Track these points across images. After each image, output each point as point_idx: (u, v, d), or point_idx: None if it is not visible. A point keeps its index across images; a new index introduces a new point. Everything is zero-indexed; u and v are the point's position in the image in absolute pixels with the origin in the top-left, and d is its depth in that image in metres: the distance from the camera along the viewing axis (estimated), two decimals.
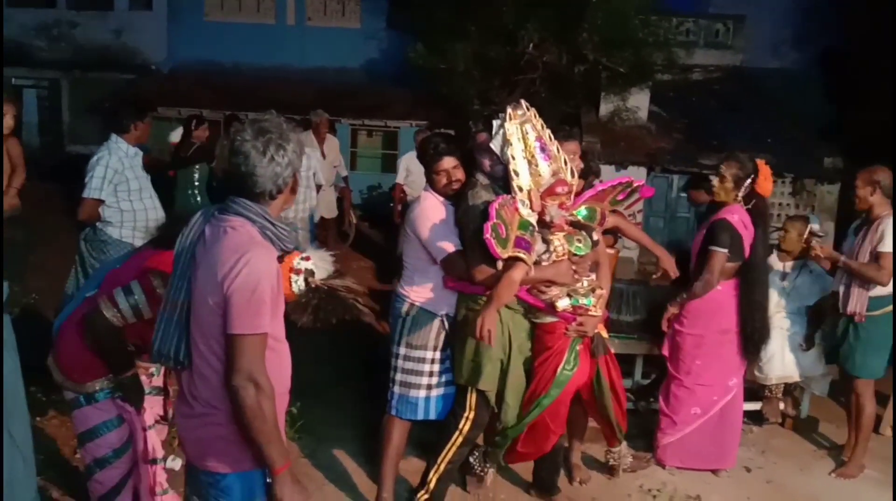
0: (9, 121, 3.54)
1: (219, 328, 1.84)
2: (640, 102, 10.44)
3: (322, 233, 7.01)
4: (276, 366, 1.93)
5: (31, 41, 13.00)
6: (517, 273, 2.78)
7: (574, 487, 3.67)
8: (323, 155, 7.24)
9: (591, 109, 10.39)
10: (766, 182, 3.75)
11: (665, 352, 3.93)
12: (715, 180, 3.73)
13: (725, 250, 3.64)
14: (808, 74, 11.67)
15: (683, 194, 10.44)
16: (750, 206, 3.75)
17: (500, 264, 2.80)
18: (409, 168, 7.05)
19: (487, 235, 2.65)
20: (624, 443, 3.61)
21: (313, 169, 5.96)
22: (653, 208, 10.32)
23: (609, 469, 3.71)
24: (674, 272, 3.68)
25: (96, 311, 2.42)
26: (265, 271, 1.84)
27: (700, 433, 3.86)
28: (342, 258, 7.42)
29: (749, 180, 3.70)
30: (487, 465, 3.43)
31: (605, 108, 10.35)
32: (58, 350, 2.59)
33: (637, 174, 9.74)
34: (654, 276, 3.93)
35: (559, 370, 3.03)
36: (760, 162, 3.78)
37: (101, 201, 3.82)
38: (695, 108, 11.07)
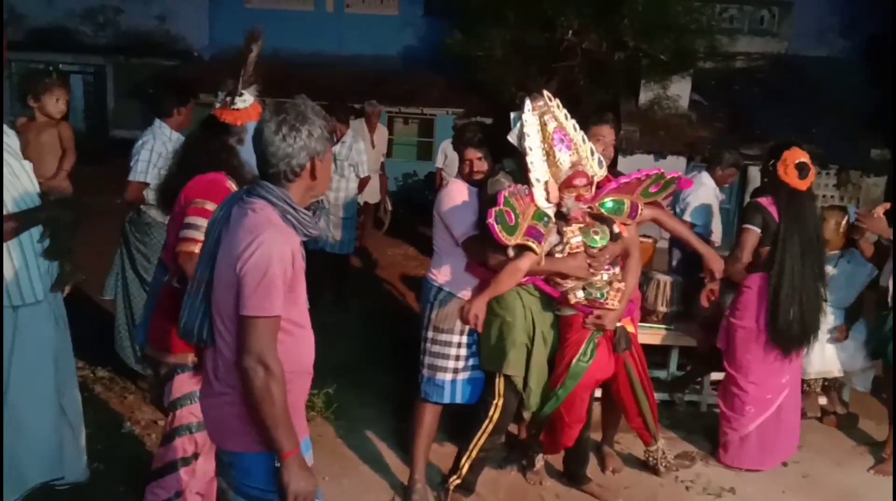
0: (61, 105, 3.64)
1: (233, 308, 1.85)
2: (680, 90, 10.25)
3: (361, 218, 7.09)
4: (294, 350, 1.92)
5: (77, 27, 13.31)
6: (524, 262, 2.79)
7: (606, 476, 3.67)
8: (373, 144, 7.37)
9: (631, 97, 10.25)
10: (784, 167, 3.64)
11: (720, 346, 3.88)
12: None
13: (756, 229, 3.62)
14: (855, 63, 11.33)
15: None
16: (777, 193, 3.68)
17: (511, 252, 2.82)
18: (447, 153, 7.10)
19: (490, 220, 2.67)
20: (661, 441, 3.58)
21: (352, 160, 5.97)
22: None
23: (652, 470, 3.66)
24: (720, 273, 3.63)
25: (181, 257, 2.47)
26: (278, 253, 1.82)
27: (760, 434, 3.81)
28: (377, 244, 7.50)
29: (770, 165, 3.65)
30: (537, 453, 3.50)
31: (645, 96, 10.19)
32: (152, 330, 2.65)
33: (676, 164, 9.59)
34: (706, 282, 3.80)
35: (574, 361, 3.02)
36: (790, 150, 3.67)
37: (146, 184, 3.91)
38: (737, 96, 10.84)
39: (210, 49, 13.16)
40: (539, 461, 3.55)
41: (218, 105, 2.70)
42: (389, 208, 8.37)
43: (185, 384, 2.58)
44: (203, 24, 13.21)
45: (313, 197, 2.00)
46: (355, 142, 6.10)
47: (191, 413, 2.57)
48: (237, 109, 2.67)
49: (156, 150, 3.98)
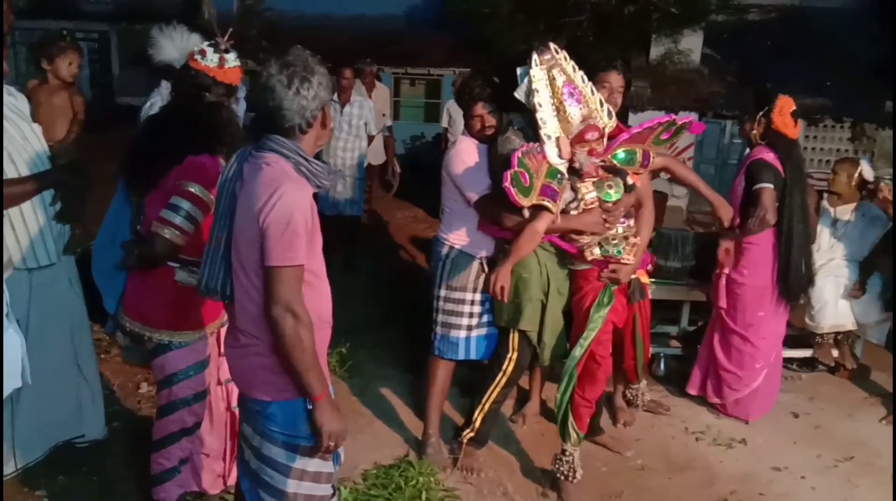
0: (73, 69, 3.62)
1: (257, 261, 1.88)
2: (692, 44, 10.04)
3: (368, 180, 7.07)
4: (315, 301, 1.97)
5: None
6: (541, 224, 2.76)
7: (618, 429, 3.71)
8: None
9: (641, 52, 10.05)
10: (781, 117, 3.60)
11: (722, 305, 3.85)
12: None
13: (772, 186, 3.56)
14: (870, 13, 11.06)
15: (737, 141, 10.17)
16: (766, 143, 3.64)
17: (526, 213, 2.79)
18: (451, 113, 7.04)
19: (507, 183, 2.63)
20: (644, 382, 3.65)
21: (364, 118, 5.99)
22: (703, 154, 10.04)
23: (628, 403, 3.75)
24: (728, 221, 3.58)
25: (155, 238, 2.40)
26: (298, 204, 1.85)
27: (766, 383, 3.88)
28: (386, 207, 7.49)
29: (762, 113, 3.60)
30: None
31: (656, 51, 10.00)
32: (130, 304, 2.56)
33: None
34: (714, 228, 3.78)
35: (594, 307, 3.03)
36: (782, 97, 3.62)
37: None
38: (750, 50, 10.61)
39: (211, 10, 12.99)
40: (527, 407, 3.68)
41: (211, 64, 2.54)
42: (398, 170, 8.32)
43: (180, 360, 2.55)
44: None
45: (319, 146, 2.02)
46: (365, 99, 6.11)
47: (188, 387, 2.57)
48: (232, 68, 2.59)
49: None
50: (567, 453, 3.11)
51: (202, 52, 2.54)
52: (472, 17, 9.69)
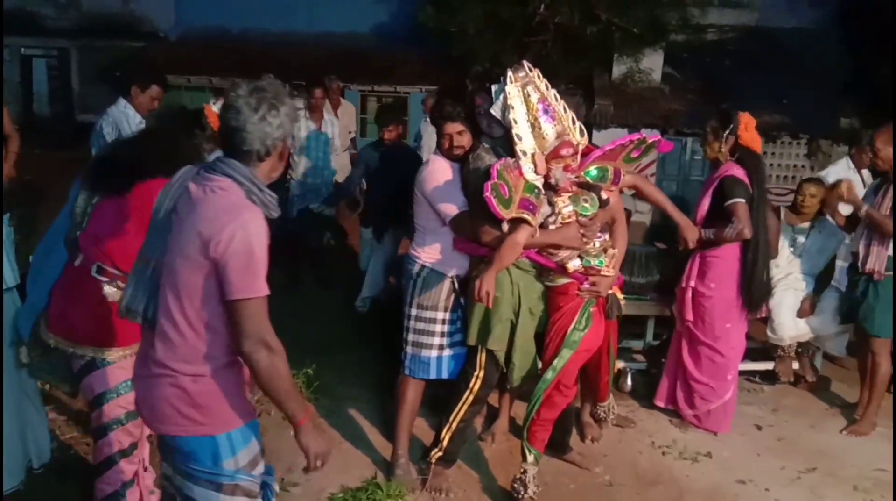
0: None
1: (196, 289, 1.81)
2: (653, 63, 10.28)
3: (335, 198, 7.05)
4: None
5: (39, 9, 12.94)
6: (521, 235, 2.78)
7: (586, 445, 3.72)
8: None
9: (604, 71, 10.25)
10: (747, 132, 3.70)
11: (689, 317, 3.90)
12: (702, 138, 3.82)
13: (744, 201, 3.64)
14: (825, 33, 11.41)
15: (697, 157, 10.37)
16: (734, 158, 3.73)
17: (505, 226, 2.81)
18: (421, 132, 7.10)
19: (488, 194, 2.64)
20: (611, 396, 3.71)
21: (332, 135, 6.05)
22: (665, 171, 10.24)
23: (597, 419, 3.80)
24: (693, 242, 3.67)
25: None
26: (259, 234, 1.81)
27: (733, 397, 3.94)
28: (353, 225, 7.42)
29: (729, 131, 3.69)
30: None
31: (618, 69, 10.20)
32: (56, 318, 2.49)
33: None
34: (681, 247, 3.82)
35: (570, 330, 3.03)
36: (743, 114, 3.74)
37: None
38: (709, 68, 10.88)
39: (177, 29, 12.88)
40: (496, 425, 3.70)
41: (214, 108, 2.64)
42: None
43: (109, 378, 2.47)
44: (168, 4, 12.91)
45: (273, 177, 1.97)
46: (333, 117, 6.22)
47: (119, 406, 2.50)
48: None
49: (116, 125, 3.96)
50: (522, 471, 3.12)
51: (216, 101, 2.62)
52: (440, 35, 9.77)
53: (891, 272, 3.87)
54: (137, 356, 2.02)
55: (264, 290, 1.83)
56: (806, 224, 4.45)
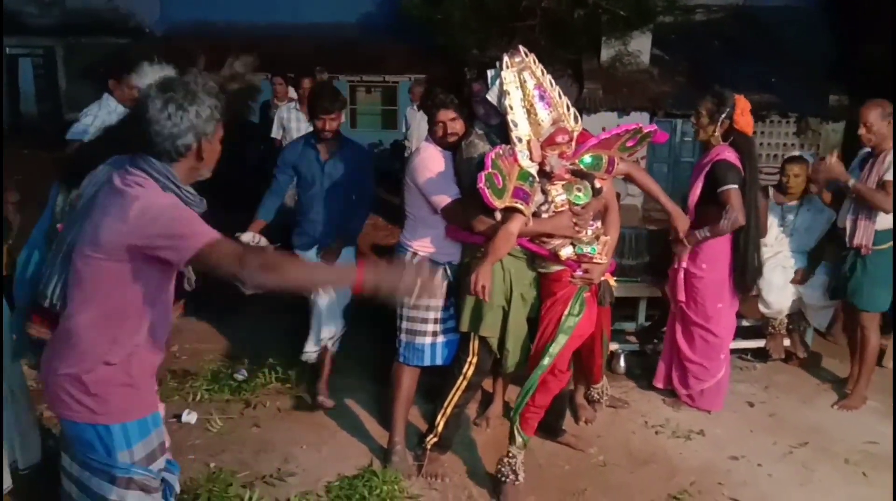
0: None
1: (103, 277, 1.78)
2: (641, 45, 10.29)
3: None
4: (155, 325, 1.89)
5: (23, 8, 12.84)
6: (514, 225, 2.78)
7: (580, 427, 3.76)
8: None
9: (593, 55, 10.25)
10: (743, 117, 3.72)
11: (682, 298, 3.92)
12: (693, 119, 3.78)
13: (737, 187, 3.65)
14: (813, 11, 11.43)
15: (688, 139, 10.39)
16: (729, 142, 3.74)
17: (498, 215, 2.81)
18: (408, 120, 7.08)
19: (481, 184, 2.63)
20: (604, 378, 3.74)
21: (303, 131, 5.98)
22: (656, 154, 10.26)
23: (591, 401, 3.82)
24: (684, 232, 3.70)
25: None
26: (168, 201, 1.78)
27: (726, 375, 3.98)
28: None
29: (725, 115, 3.69)
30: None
31: (607, 53, 10.21)
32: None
33: (640, 120, 9.64)
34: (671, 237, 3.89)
35: (564, 316, 3.04)
36: (738, 97, 3.74)
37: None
38: (698, 50, 10.90)
39: (162, 24, 12.83)
40: (490, 410, 3.74)
41: None
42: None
43: None
44: (153, 0, 12.84)
45: (199, 177, 1.91)
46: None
47: None
48: None
49: (99, 116, 3.97)
50: (511, 455, 3.11)
51: None
52: (426, 23, 9.75)
53: (879, 247, 3.90)
54: (49, 339, 1.98)
55: (210, 233, 1.76)
56: (794, 202, 4.47)
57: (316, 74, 7.31)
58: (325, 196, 3.78)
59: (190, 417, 3.65)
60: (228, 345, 4.62)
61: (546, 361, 3.02)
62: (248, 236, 2.96)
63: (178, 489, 2.04)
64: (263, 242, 2.57)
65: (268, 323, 4.77)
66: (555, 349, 3.02)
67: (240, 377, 4.10)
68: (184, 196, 1.83)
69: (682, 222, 3.68)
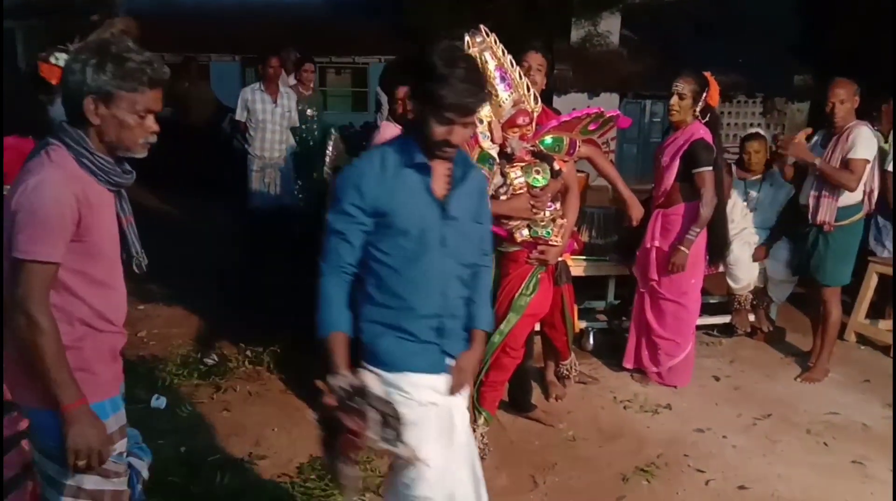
0: None
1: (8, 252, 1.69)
2: (611, 26, 10.32)
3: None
4: (103, 306, 1.82)
5: None
6: None
7: (550, 403, 3.81)
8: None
9: (563, 36, 10.25)
10: (716, 93, 3.84)
11: (654, 276, 3.96)
12: (674, 100, 3.80)
13: (711, 169, 3.71)
14: None
15: (657, 120, 10.47)
16: (707, 119, 3.79)
17: None
18: (381, 101, 7.01)
19: None
20: (572, 354, 3.78)
21: (290, 108, 5.89)
22: (626, 135, 10.33)
23: (560, 377, 3.86)
24: (637, 221, 3.80)
25: None
26: (53, 195, 1.66)
27: (692, 350, 4.05)
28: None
29: (704, 94, 3.75)
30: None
31: (577, 33, 10.22)
32: None
33: (610, 101, 9.70)
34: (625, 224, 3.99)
35: (517, 295, 3.07)
36: (707, 74, 3.83)
37: None
38: (667, 31, 10.95)
39: (127, 4, 12.51)
40: None
41: (52, 60, 2.51)
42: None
43: None
44: None
45: (114, 147, 1.78)
46: (289, 89, 6.07)
47: None
48: (55, 66, 2.49)
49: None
50: (476, 433, 3.12)
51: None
52: (397, 3, 9.66)
53: (841, 222, 3.99)
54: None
55: (45, 255, 1.66)
56: (756, 177, 4.56)
57: (284, 55, 7.17)
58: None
59: (159, 402, 3.62)
60: (198, 330, 4.58)
61: (497, 338, 3.04)
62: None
63: (146, 475, 2.01)
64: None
65: (239, 308, 4.74)
66: (506, 327, 3.05)
67: (210, 361, 4.07)
68: (99, 163, 1.76)
69: (636, 211, 3.79)
